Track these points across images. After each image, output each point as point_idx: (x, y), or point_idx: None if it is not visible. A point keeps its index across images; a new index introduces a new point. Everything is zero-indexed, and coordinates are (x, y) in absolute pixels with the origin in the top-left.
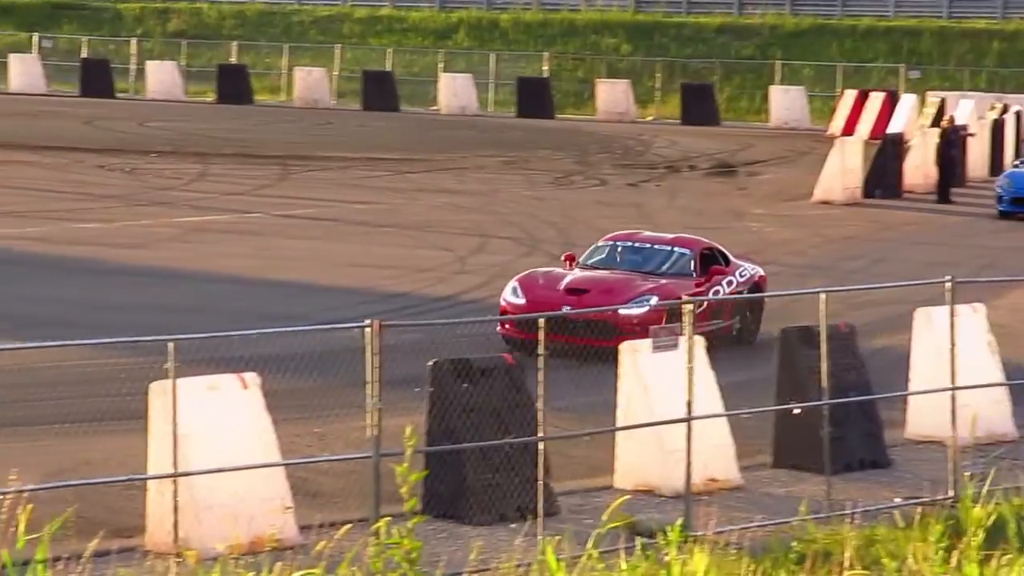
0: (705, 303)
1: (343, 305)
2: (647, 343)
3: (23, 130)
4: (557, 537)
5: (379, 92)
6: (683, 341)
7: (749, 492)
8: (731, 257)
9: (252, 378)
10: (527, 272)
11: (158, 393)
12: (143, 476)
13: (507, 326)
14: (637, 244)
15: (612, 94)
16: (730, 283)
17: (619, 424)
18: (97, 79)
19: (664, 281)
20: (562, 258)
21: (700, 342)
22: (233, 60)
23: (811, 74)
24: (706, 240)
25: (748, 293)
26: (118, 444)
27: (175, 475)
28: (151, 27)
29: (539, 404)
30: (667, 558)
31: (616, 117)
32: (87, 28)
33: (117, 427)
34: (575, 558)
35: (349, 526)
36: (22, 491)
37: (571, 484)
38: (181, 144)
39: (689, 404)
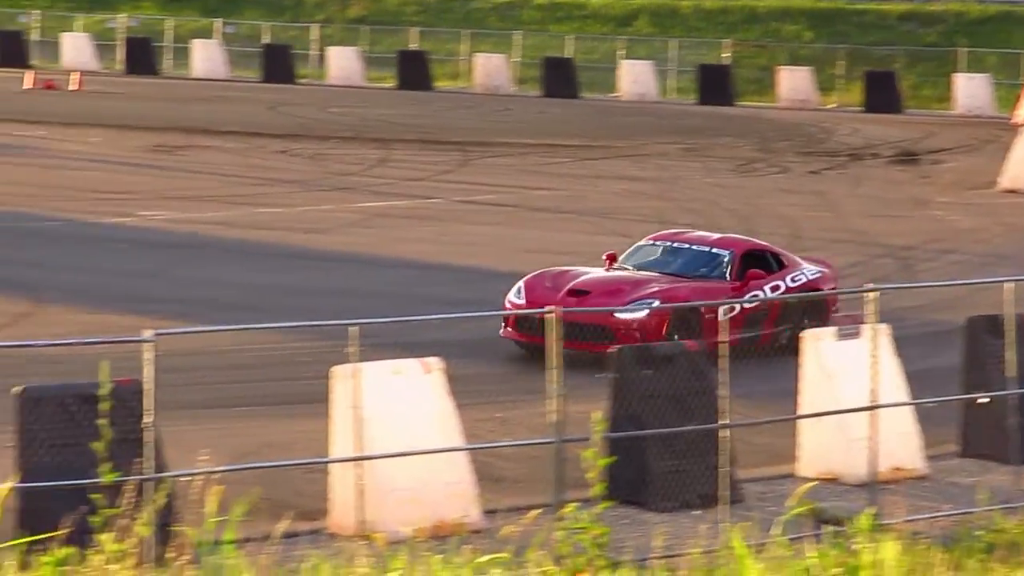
0: (739, 309)
1: None
2: (831, 331)
3: (206, 115)
4: (742, 524)
5: (559, 79)
6: (866, 329)
7: (935, 481)
8: (791, 259)
9: (435, 362)
10: (539, 271)
11: (341, 377)
12: (328, 459)
13: (508, 328)
14: (676, 244)
15: (793, 81)
16: (776, 288)
17: (802, 412)
18: (278, 65)
19: (679, 284)
20: (603, 257)
21: (884, 330)
22: (413, 46)
23: (996, 62)
24: (758, 241)
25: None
26: (300, 427)
27: (359, 458)
28: (332, 13)
29: (722, 391)
30: (856, 547)
31: (798, 104)
32: (269, 14)
33: (299, 410)
34: (760, 545)
35: (538, 511)
36: (212, 472)
37: (754, 472)
38: (362, 130)
39: (873, 392)
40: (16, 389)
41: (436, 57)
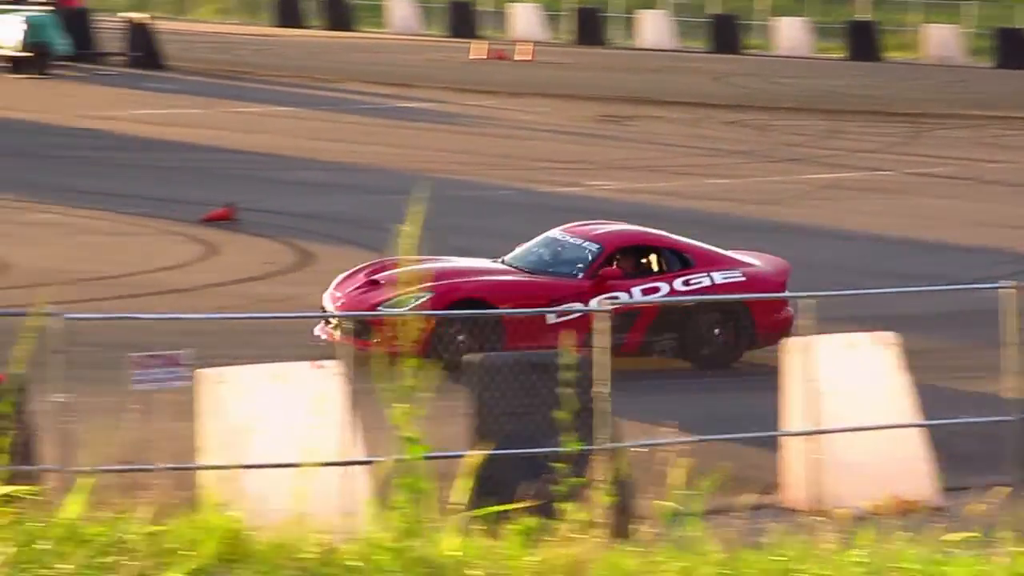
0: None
1: (979, 265)
2: None
3: (653, 85)
4: None
5: (1013, 49)
6: None
7: None
8: (712, 259)
9: (890, 336)
10: (379, 260)
11: (794, 350)
12: (783, 432)
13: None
14: (561, 236)
15: None
16: (652, 291)
17: None
18: (726, 35)
19: (485, 278)
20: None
21: None
22: (863, 17)
23: None
24: (666, 236)
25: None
26: (748, 400)
27: (813, 432)
28: None
29: None
30: None
31: None
32: None
33: (748, 383)
34: None
35: (1006, 490)
36: (684, 442)
37: None
38: (810, 101)
39: None
40: (472, 357)
41: (886, 28)
